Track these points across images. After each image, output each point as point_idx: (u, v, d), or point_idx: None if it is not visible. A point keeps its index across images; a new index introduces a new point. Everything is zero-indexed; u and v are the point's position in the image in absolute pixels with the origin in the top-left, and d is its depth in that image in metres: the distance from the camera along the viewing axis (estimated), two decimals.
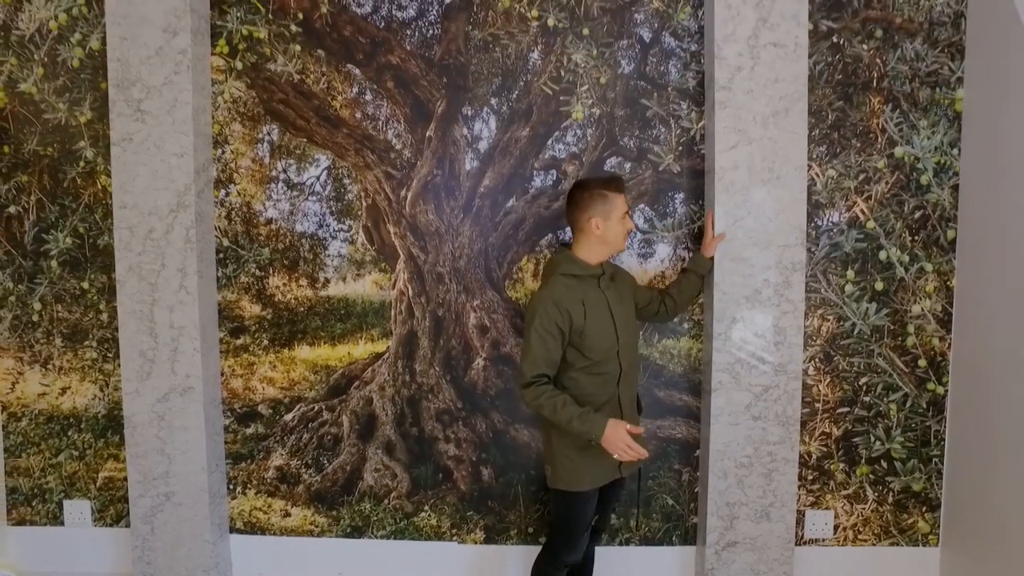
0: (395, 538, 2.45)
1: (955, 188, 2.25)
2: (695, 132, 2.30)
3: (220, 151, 2.42)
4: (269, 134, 2.42)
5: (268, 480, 2.48)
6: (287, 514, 2.48)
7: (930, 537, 2.33)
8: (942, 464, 2.31)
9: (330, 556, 2.47)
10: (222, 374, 2.47)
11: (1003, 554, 1.96)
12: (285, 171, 2.43)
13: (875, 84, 2.26)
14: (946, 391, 2.29)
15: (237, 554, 2.49)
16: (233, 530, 2.49)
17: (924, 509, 2.32)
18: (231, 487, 2.49)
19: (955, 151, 2.24)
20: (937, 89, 2.24)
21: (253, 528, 2.49)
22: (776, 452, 2.17)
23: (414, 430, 2.43)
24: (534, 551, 2.40)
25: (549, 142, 2.34)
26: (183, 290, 2.30)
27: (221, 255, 2.45)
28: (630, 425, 1.71)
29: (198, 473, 2.34)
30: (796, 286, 2.15)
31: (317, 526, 2.47)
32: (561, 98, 2.32)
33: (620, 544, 2.40)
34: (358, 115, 2.39)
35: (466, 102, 2.35)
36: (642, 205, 2.33)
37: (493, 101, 2.35)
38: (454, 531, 2.44)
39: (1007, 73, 2.01)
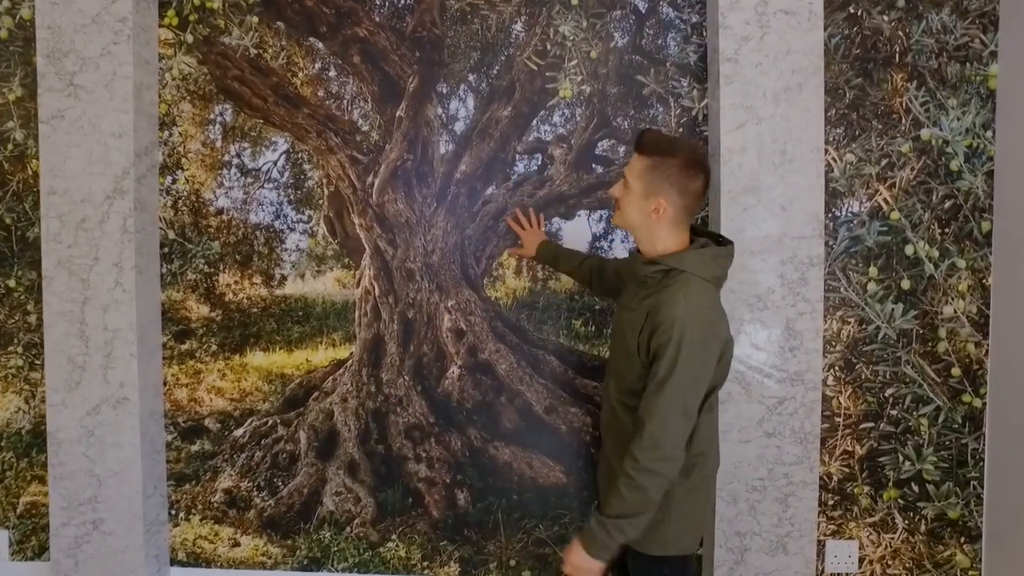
0: (358, 571, 2.15)
1: (989, 175, 2.01)
2: (697, 112, 2.05)
3: (167, 133, 2.17)
4: (222, 114, 2.17)
5: (215, 504, 2.18)
6: (236, 543, 2.18)
7: (971, 573, 2.04)
8: (982, 488, 2.03)
9: None
10: (164, 383, 2.19)
11: None
12: (239, 155, 2.17)
13: (898, 59, 2.02)
14: (984, 404, 2.02)
15: None
16: (174, 562, 2.19)
17: (962, 540, 2.04)
18: (172, 512, 2.19)
19: (989, 133, 2.00)
20: (967, 64, 2.00)
21: (197, 560, 2.19)
22: (793, 474, 1.89)
23: (380, 448, 2.14)
24: None
25: (534, 123, 2.09)
26: (119, 287, 2.03)
27: (166, 249, 2.18)
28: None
29: (132, 497, 2.05)
30: (814, 284, 1.89)
31: (270, 557, 2.17)
32: (547, 74, 2.08)
33: None
34: (320, 93, 2.14)
35: (441, 79, 2.10)
36: None
37: (471, 78, 2.10)
38: (425, 563, 2.14)
39: None
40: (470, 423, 2.12)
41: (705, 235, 1.44)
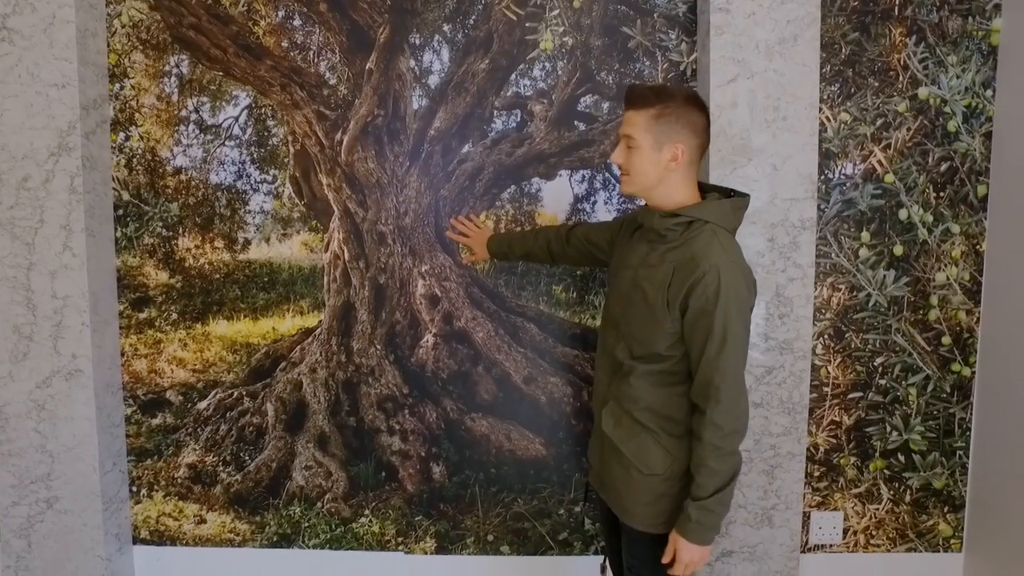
0: (330, 548, 2.07)
1: (988, 136, 1.93)
2: (686, 67, 1.94)
3: (118, 86, 2.01)
4: (178, 66, 2.01)
5: (179, 480, 2.09)
6: (202, 520, 2.09)
7: (952, 541, 2.01)
8: (967, 458, 1.99)
9: (253, 569, 2.09)
10: (122, 354, 2.07)
11: None
12: (197, 111, 2.02)
13: (897, 12, 1.92)
14: (973, 373, 1.97)
15: (142, 569, 2.10)
16: (137, 540, 2.10)
17: (946, 509, 2.01)
18: (134, 489, 2.09)
19: (989, 92, 1.92)
20: (970, 19, 1.91)
21: (161, 538, 2.10)
22: (780, 445, 1.83)
23: (352, 420, 2.05)
24: (494, 562, 2.06)
25: (512, 77, 1.96)
26: (67, 252, 1.89)
27: (121, 211, 2.04)
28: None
29: (88, 474, 1.94)
30: (805, 248, 1.81)
31: (238, 534, 2.09)
32: (527, 24, 1.94)
33: (597, 552, 2.05)
34: (285, 44, 1.99)
35: (414, 29, 1.96)
36: None
37: (446, 28, 1.96)
38: (400, 539, 2.07)
39: None
40: (445, 394, 2.03)
41: (713, 190, 1.38)
